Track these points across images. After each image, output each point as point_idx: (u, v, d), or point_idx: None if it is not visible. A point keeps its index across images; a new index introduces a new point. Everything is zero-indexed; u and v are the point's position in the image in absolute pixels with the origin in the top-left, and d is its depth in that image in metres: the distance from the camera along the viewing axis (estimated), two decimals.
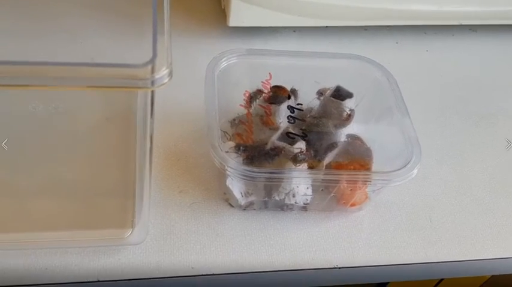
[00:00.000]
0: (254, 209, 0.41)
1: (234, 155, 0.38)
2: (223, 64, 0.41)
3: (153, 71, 0.23)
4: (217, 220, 0.40)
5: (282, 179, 0.36)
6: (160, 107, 0.43)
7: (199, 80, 0.42)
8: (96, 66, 0.23)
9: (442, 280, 0.53)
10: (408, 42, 0.58)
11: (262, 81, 0.40)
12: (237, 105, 0.44)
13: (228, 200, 0.41)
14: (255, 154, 0.37)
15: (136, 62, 0.26)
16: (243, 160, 0.38)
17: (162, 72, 0.23)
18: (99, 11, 0.31)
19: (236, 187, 0.39)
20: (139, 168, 0.39)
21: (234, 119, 0.43)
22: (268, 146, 0.38)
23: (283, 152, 0.36)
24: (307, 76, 0.45)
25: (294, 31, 0.56)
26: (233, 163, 0.36)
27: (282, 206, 0.41)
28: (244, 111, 0.43)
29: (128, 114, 0.44)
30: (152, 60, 0.23)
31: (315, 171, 0.38)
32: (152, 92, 0.27)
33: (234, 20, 0.51)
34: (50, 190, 0.39)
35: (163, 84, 0.23)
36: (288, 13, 0.53)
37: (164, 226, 0.39)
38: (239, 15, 0.51)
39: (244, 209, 0.41)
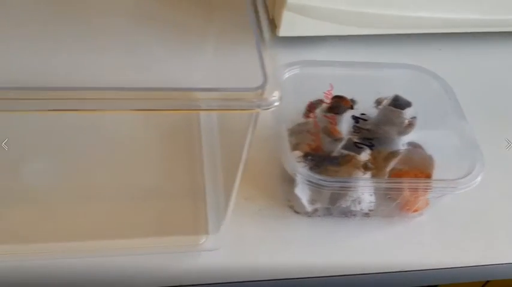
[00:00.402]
0: (318, 216, 0.42)
1: (302, 163, 0.40)
2: (286, 75, 0.42)
3: (263, 93, 0.25)
4: (285, 227, 0.41)
5: (351, 187, 0.38)
6: (223, 116, 0.46)
7: None
8: (214, 91, 0.25)
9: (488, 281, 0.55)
10: (451, 49, 0.59)
11: (324, 92, 0.42)
12: (296, 115, 0.45)
13: (293, 207, 0.42)
14: (323, 163, 0.39)
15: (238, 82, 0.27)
16: (310, 168, 0.40)
17: (274, 96, 0.25)
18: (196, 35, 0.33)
19: (304, 194, 0.40)
20: (211, 177, 0.41)
21: (293, 128, 0.45)
22: (336, 155, 0.39)
23: (352, 161, 0.38)
24: (362, 86, 0.46)
25: (340, 39, 0.58)
26: (305, 172, 0.37)
27: (346, 213, 0.42)
28: (302, 120, 0.44)
29: (191, 125, 0.46)
30: (263, 85, 0.25)
31: (381, 179, 0.39)
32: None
33: (284, 30, 0.53)
34: (124, 198, 0.41)
35: (275, 105, 0.25)
36: (335, 22, 0.55)
37: (235, 232, 0.40)
38: (289, 25, 0.53)
39: (309, 216, 0.42)
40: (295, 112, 0.45)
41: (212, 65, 0.51)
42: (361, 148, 0.39)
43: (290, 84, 0.42)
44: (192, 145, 0.45)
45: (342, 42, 0.58)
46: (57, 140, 0.43)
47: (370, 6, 0.53)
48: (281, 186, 0.44)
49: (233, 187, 0.32)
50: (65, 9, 0.55)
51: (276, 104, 0.25)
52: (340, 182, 0.37)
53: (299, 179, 0.38)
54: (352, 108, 0.42)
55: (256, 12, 0.32)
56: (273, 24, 0.55)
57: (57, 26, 0.53)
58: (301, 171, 0.37)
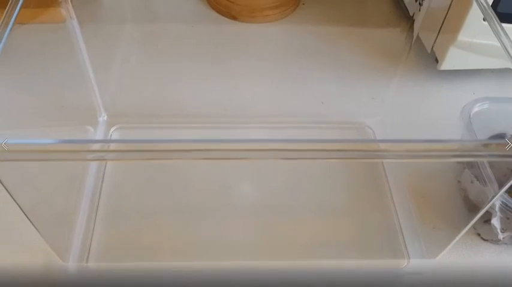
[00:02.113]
0: (505, 243, 0.45)
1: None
2: (475, 109, 0.45)
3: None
4: (475, 253, 0.44)
5: None
6: None
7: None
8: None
9: None
10: None
11: None
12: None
13: (480, 234, 0.45)
14: None
15: None
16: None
17: None
18: None
19: (498, 224, 0.43)
20: (401, 210, 0.45)
21: None
22: None
23: None
24: None
25: (492, 72, 0.60)
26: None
27: None
28: None
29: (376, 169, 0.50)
30: None
31: None
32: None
33: (446, 65, 0.56)
34: (327, 223, 0.45)
35: None
36: (494, 57, 0.58)
37: (430, 259, 0.44)
38: (452, 60, 0.56)
39: (497, 243, 0.45)
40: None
41: (388, 98, 0.55)
42: None
43: (477, 118, 0.45)
44: (380, 183, 0.49)
45: (494, 74, 0.61)
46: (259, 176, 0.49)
47: None
48: (465, 216, 0.47)
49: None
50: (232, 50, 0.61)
51: None
52: None
53: (499, 209, 0.41)
54: None
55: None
56: (428, 57, 0.59)
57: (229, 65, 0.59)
58: (507, 201, 0.40)
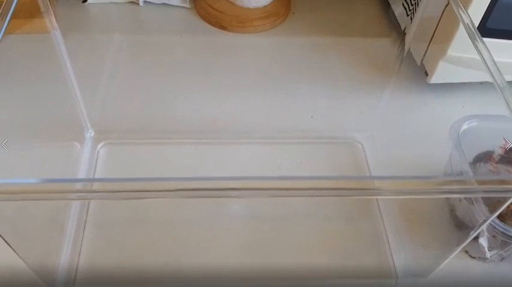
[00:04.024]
0: (493, 261, 0.45)
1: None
2: (464, 127, 0.45)
3: None
4: (463, 270, 0.44)
5: None
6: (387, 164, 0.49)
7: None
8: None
9: None
10: None
11: (501, 146, 0.45)
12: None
13: (468, 251, 0.46)
14: (508, 216, 0.42)
15: None
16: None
17: None
18: None
19: (486, 243, 0.43)
20: (391, 228, 0.45)
21: None
22: None
23: None
24: None
25: (482, 84, 0.60)
26: (499, 224, 0.40)
27: None
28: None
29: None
30: None
31: None
32: None
33: (435, 78, 0.56)
34: (313, 243, 0.45)
35: None
36: (481, 70, 0.58)
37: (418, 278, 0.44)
38: (441, 74, 0.56)
39: (484, 261, 0.45)
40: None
41: (377, 112, 0.55)
42: None
43: (466, 136, 0.46)
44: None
45: (483, 86, 0.61)
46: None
47: None
48: (452, 232, 0.47)
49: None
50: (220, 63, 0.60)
51: None
52: None
53: (486, 230, 0.41)
54: None
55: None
56: (417, 69, 0.59)
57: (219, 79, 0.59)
58: (495, 223, 0.40)
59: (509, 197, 0.31)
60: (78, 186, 0.25)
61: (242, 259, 0.43)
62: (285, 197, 0.29)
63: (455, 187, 0.29)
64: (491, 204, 0.44)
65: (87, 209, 0.45)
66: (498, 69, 0.36)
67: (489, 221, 0.35)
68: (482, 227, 0.38)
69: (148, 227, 0.45)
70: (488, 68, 0.34)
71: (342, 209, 0.47)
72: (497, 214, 0.34)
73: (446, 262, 0.39)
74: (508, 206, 0.43)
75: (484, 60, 0.36)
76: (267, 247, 0.44)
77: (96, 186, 0.27)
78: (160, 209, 0.46)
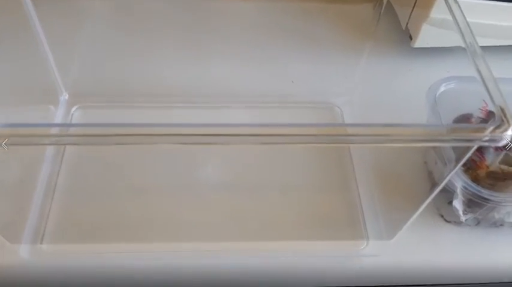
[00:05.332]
0: (468, 225, 0.44)
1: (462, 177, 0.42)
2: (441, 89, 0.44)
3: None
4: (437, 234, 0.44)
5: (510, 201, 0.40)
6: None
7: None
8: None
9: None
10: None
11: (480, 108, 0.43)
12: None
13: (443, 215, 0.45)
14: (483, 178, 0.41)
15: None
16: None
17: (509, 133, 0.27)
18: None
19: (460, 206, 0.42)
20: (364, 191, 0.44)
21: None
22: (495, 170, 0.41)
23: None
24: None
25: (465, 49, 0.58)
26: (472, 186, 0.39)
27: (496, 223, 0.44)
28: None
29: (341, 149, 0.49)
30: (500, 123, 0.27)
31: None
32: None
33: (419, 42, 0.55)
34: (289, 206, 0.45)
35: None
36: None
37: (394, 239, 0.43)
38: (425, 37, 0.54)
39: (459, 225, 0.44)
40: None
41: (356, 76, 0.54)
42: None
43: (442, 98, 0.44)
44: (345, 165, 0.48)
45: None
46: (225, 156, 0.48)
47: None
48: (428, 195, 0.46)
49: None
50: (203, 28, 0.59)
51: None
52: (504, 197, 0.39)
53: (460, 192, 0.40)
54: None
55: None
56: (402, 34, 0.57)
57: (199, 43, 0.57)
58: (467, 184, 0.39)
59: (472, 146, 0.30)
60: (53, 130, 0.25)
61: (214, 228, 0.43)
62: (257, 144, 0.29)
63: (420, 133, 0.29)
64: (465, 165, 0.43)
65: (58, 172, 0.45)
66: (470, 29, 0.35)
67: (453, 173, 0.34)
68: (451, 185, 0.37)
69: (119, 194, 0.45)
70: (459, 28, 0.33)
71: (315, 172, 0.47)
72: (461, 163, 0.33)
73: (410, 222, 0.38)
74: (483, 167, 0.42)
75: (456, 20, 0.35)
76: (239, 214, 0.44)
77: (72, 131, 0.27)
78: (132, 177, 0.46)
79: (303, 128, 0.29)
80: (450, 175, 0.34)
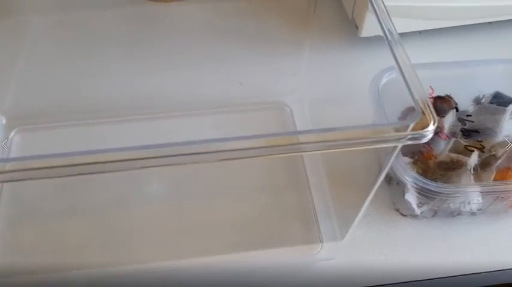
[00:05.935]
0: (425, 217, 0.43)
1: (411, 169, 0.41)
2: (384, 80, 0.43)
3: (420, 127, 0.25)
4: (394, 229, 0.43)
5: (465, 192, 0.39)
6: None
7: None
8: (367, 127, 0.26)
9: None
10: None
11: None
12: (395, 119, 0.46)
13: (399, 210, 0.44)
14: (432, 167, 0.40)
15: None
16: (420, 174, 0.41)
17: (430, 128, 0.25)
18: None
19: (413, 199, 0.41)
20: (317, 192, 0.43)
21: None
22: (445, 159, 0.40)
23: (464, 166, 0.38)
24: (457, 85, 0.46)
25: (420, 33, 0.57)
26: (419, 179, 0.38)
27: (453, 213, 0.43)
28: None
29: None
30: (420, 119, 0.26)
31: (491, 183, 0.39)
32: None
33: (366, 31, 0.53)
34: (241, 217, 0.43)
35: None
36: (417, 18, 0.55)
37: (346, 238, 0.42)
38: (372, 26, 0.53)
39: (416, 218, 0.43)
40: (394, 118, 0.46)
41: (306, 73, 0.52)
42: (472, 151, 0.39)
43: (389, 89, 0.43)
44: (296, 167, 0.47)
45: (422, 35, 0.58)
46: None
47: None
48: (385, 190, 0.45)
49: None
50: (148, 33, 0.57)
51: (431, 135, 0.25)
52: (453, 188, 0.38)
53: (410, 185, 0.39)
54: (457, 109, 0.42)
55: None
56: (349, 24, 0.56)
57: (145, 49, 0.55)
58: (414, 178, 0.38)
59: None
60: None
61: (165, 238, 0.42)
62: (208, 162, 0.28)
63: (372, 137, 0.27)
64: (413, 156, 0.42)
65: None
66: (389, 15, 0.34)
67: (387, 167, 0.33)
68: (383, 173, 0.36)
69: (66, 214, 0.43)
70: (377, 15, 0.32)
71: (268, 182, 0.45)
72: (392, 160, 0.32)
73: (358, 220, 0.37)
74: (431, 157, 0.41)
75: (374, 6, 0.34)
76: (190, 223, 0.43)
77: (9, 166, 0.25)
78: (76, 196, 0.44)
79: (253, 141, 0.27)
80: (385, 170, 0.33)
